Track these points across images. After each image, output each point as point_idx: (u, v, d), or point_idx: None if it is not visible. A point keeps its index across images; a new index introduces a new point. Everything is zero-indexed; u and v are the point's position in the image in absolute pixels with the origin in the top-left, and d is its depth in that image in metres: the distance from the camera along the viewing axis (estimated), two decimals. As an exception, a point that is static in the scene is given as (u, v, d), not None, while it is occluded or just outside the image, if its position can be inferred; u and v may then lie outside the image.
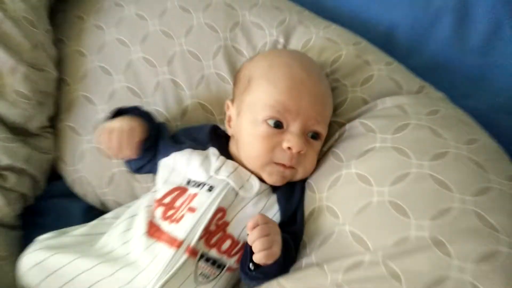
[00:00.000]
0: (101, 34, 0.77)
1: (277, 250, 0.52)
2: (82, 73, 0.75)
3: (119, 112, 0.65)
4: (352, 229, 0.52)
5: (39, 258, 0.58)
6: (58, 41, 0.77)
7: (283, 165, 0.59)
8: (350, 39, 0.73)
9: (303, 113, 0.59)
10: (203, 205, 0.57)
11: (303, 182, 0.63)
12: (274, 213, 0.60)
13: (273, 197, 0.61)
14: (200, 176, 0.61)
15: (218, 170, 0.61)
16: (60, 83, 0.75)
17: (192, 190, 0.60)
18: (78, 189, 0.75)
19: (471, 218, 0.47)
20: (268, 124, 0.59)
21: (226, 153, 0.64)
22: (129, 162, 0.67)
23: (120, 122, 0.61)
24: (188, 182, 0.61)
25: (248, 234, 0.52)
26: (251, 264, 0.53)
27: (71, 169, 0.74)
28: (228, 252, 0.58)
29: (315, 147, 0.62)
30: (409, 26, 0.83)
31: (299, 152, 0.58)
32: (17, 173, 0.69)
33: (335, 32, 0.74)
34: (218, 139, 0.67)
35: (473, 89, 0.77)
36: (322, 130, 0.61)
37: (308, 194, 0.61)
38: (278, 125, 0.59)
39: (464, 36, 0.81)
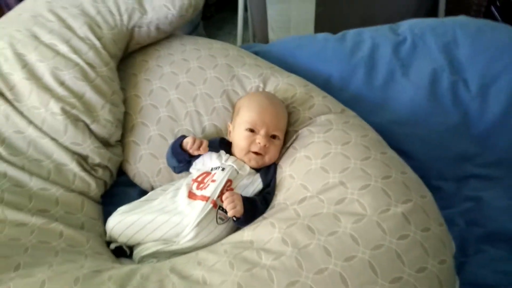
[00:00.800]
0: (149, 84, 1.25)
1: (240, 209, 0.96)
2: (139, 108, 1.22)
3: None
4: (301, 182, 0.99)
5: (119, 219, 1.02)
6: (122, 89, 1.25)
7: (256, 153, 1.06)
8: (302, 83, 1.23)
9: (265, 124, 1.06)
10: (219, 177, 1.03)
11: (275, 165, 1.10)
12: (258, 183, 1.06)
13: (257, 175, 1.08)
14: (217, 163, 1.07)
15: (226, 160, 1.08)
16: (125, 114, 1.22)
17: (213, 172, 1.06)
18: (137, 180, 1.20)
19: (358, 171, 0.94)
20: (246, 131, 1.06)
21: (229, 153, 1.12)
22: (175, 168, 1.12)
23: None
24: (211, 169, 1.07)
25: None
26: (234, 218, 0.98)
27: (133, 167, 1.19)
28: None
29: (275, 143, 1.08)
30: (338, 74, 1.33)
31: (265, 146, 1.05)
32: (103, 168, 1.14)
33: (292, 79, 1.24)
34: (224, 146, 1.14)
35: (377, 111, 1.26)
36: (279, 134, 1.08)
37: (278, 170, 1.08)
38: (252, 131, 1.06)
39: (371, 79, 1.31)
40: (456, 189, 1.19)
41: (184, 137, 1.10)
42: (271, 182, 1.07)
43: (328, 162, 0.99)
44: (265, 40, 2.41)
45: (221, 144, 1.13)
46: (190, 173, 1.13)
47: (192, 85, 1.24)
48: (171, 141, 1.18)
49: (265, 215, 0.98)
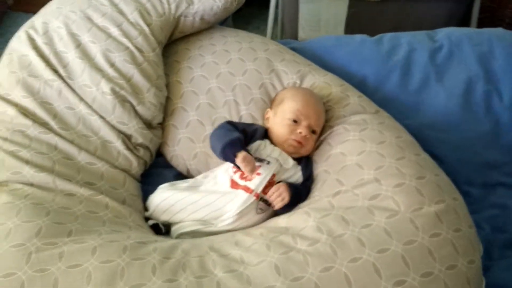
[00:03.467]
0: (191, 72, 1.30)
1: (286, 199, 1.01)
2: (180, 94, 1.27)
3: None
4: (336, 177, 1.03)
5: (165, 196, 1.07)
6: (165, 75, 1.30)
7: (297, 141, 1.10)
8: (338, 82, 1.27)
9: (309, 118, 1.11)
10: (265, 172, 1.07)
11: (311, 160, 1.14)
12: (299, 176, 1.10)
13: (298, 168, 1.11)
14: (262, 155, 1.11)
15: (271, 152, 1.11)
16: (166, 99, 1.27)
17: (258, 163, 1.09)
18: (174, 162, 1.25)
19: (393, 170, 0.98)
20: (290, 120, 1.11)
21: (272, 142, 1.16)
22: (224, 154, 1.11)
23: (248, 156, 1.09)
24: (256, 159, 1.10)
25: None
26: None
27: (171, 149, 1.24)
28: None
29: (313, 137, 1.12)
30: (374, 75, 1.37)
31: (305, 136, 1.09)
32: (144, 148, 1.20)
33: (329, 78, 1.28)
34: (267, 135, 1.18)
35: (410, 114, 1.29)
36: (318, 129, 1.13)
37: (314, 165, 1.12)
38: (295, 121, 1.10)
39: (406, 83, 1.35)
40: (483, 195, 1.21)
41: (237, 141, 1.06)
42: (310, 175, 1.11)
43: (363, 159, 1.03)
44: (294, 37, 2.45)
45: (265, 134, 1.17)
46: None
47: (232, 76, 1.28)
48: (208, 127, 1.23)
49: (300, 205, 1.02)
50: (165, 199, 1.07)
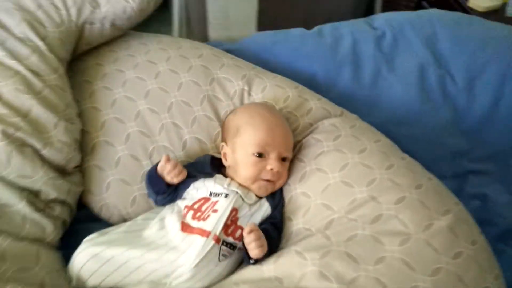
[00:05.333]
0: (109, 93, 1.01)
1: (266, 247, 0.79)
2: (101, 123, 0.98)
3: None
4: (321, 201, 0.84)
5: (94, 251, 0.79)
6: (75, 102, 0.99)
7: (267, 180, 0.89)
8: (291, 84, 1.08)
9: (277, 146, 0.89)
10: (223, 206, 0.85)
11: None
12: (266, 208, 0.89)
13: (263, 199, 0.90)
14: (219, 189, 0.88)
15: (229, 184, 0.89)
16: (82, 133, 0.97)
17: (213, 199, 0.86)
18: (105, 213, 0.96)
19: (387, 182, 0.82)
20: (255, 156, 0.89)
21: (224, 175, 0.93)
22: (157, 199, 0.91)
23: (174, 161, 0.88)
24: (210, 194, 0.88)
25: (244, 237, 0.79)
26: (251, 260, 0.79)
27: (98, 198, 0.95)
28: (239, 238, 0.85)
29: (286, 166, 0.92)
30: (323, 72, 1.22)
31: (277, 172, 0.88)
32: (60, 204, 0.89)
33: (280, 80, 1.09)
34: (217, 168, 0.95)
35: (369, 111, 1.15)
36: (289, 155, 0.93)
37: (285, 187, 0.92)
38: (261, 155, 0.89)
39: (358, 77, 1.22)
40: (458, 187, 1.12)
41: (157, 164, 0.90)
42: (279, 203, 0.91)
43: (349, 175, 0.86)
44: (204, 38, 2.25)
45: (213, 168, 0.95)
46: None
47: (165, 92, 1.03)
48: (145, 161, 0.97)
49: (288, 243, 0.82)
50: (93, 256, 0.79)
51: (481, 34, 1.27)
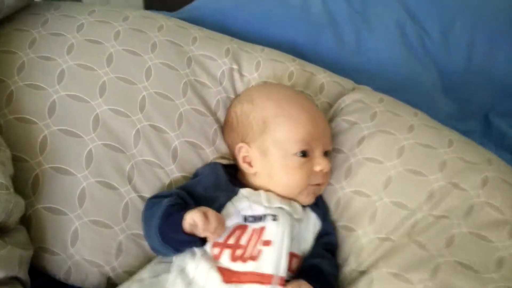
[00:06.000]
0: (41, 94, 0.65)
1: None
2: (41, 143, 0.62)
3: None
4: (389, 199, 0.66)
5: None
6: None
7: (318, 185, 0.68)
8: (286, 57, 0.85)
9: (322, 138, 0.68)
10: (278, 235, 0.60)
11: None
12: (314, 221, 0.67)
13: (308, 210, 0.68)
14: (258, 209, 0.62)
15: (268, 201, 0.64)
16: (18, 160, 0.60)
17: (254, 225, 0.61)
18: (76, 276, 0.62)
19: (460, 162, 0.68)
20: (298, 156, 0.65)
21: (246, 185, 0.68)
22: (177, 247, 0.60)
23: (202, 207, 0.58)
24: (245, 219, 0.62)
25: None
26: None
27: (62, 257, 0.61)
28: (295, 270, 0.62)
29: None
30: (303, 39, 1.01)
31: (327, 173, 0.68)
32: (10, 284, 0.54)
33: (271, 53, 0.84)
34: (236, 179, 0.69)
35: (362, 79, 0.98)
36: (331, 146, 0.72)
37: (326, 189, 0.71)
38: (305, 154, 0.66)
39: (342, 41, 1.04)
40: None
41: (172, 207, 0.60)
42: (325, 212, 0.70)
43: (411, 160, 0.69)
44: None
45: (232, 180, 0.68)
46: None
47: (129, 83, 0.70)
48: (125, 188, 0.66)
49: (365, 264, 0.62)
50: None
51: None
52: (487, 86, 1.15)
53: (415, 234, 0.62)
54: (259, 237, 0.60)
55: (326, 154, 0.69)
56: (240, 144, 0.70)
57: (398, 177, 0.67)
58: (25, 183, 0.61)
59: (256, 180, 0.69)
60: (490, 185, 0.65)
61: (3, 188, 0.53)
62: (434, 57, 1.13)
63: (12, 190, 0.55)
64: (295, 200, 0.67)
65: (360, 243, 0.65)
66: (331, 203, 0.71)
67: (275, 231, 0.60)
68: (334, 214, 0.70)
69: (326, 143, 0.68)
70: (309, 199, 0.67)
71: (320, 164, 0.66)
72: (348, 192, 0.69)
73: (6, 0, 0.68)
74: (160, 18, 0.82)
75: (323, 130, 0.69)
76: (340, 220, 0.69)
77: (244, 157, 0.69)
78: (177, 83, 0.74)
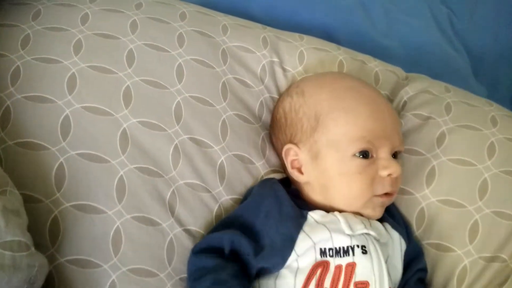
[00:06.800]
0: (49, 108, 0.50)
1: None
2: (56, 175, 0.47)
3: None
4: (490, 209, 0.55)
5: None
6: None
7: (386, 195, 0.53)
8: (330, 45, 0.72)
9: (390, 135, 0.54)
10: (373, 272, 0.48)
11: None
12: (398, 241, 0.54)
13: (389, 227, 0.55)
14: (341, 241, 0.49)
15: (349, 226, 0.50)
16: (25, 204, 0.45)
17: (339, 261, 0.48)
18: None
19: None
20: (358, 158, 0.52)
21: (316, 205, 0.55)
22: None
23: None
24: (324, 253, 0.49)
25: None
26: None
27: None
28: None
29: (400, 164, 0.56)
30: (336, 23, 0.88)
31: (397, 178, 0.53)
32: None
33: (313, 41, 0.71)
34: (299, 199, 0.55)
35: (401, 63, 0.87)
36: (403, 147, 0.57)
37: (403, 199, 0.59)
38: (367, 155, 0.52)
39: (373, 23, 0.92)
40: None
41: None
42: (408, 229, 0.58)
43: (506, 159, 0.58)
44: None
45: (298, 203, 0.54)
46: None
47: (159, 87, 0.56)
48: (168, 223, 0.51)
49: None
50: None
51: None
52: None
53: (532, 250, 0.52)
54: (350, 277, 0.47)
55: (395, 155, 0.55)
56: (288, 146, 0.56)
57: (495, 181, 0.56)
58: (41, 231, 0.45)
59: (313, 194, 0.55)
60: None
61: (23, 248, 0.37)
62: (463, 39, 1.04)
63: (33, 248, 0.39)
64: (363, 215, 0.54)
65: (460, 265, 0.54)
66: (412, 216, 0.59)
67: (369, 267, 0.48)
68: (418, 229, 0.58)
69: (395, 141, 0.54)
70: (377, 213, 0.54)
71: (387, 168, 0.52)
72: (434, 202, 0.58)
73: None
74: (179, 4, 0.67)
75: (392, 125, 0.54)
76: (428, 237, 0.57)
77: (292, 162, 0.56)
78: (215, 83, 0.60)
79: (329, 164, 0.53)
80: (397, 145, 0.55)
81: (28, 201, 0.45)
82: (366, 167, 0.52)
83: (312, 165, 0.55)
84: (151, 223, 0.50)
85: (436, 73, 0.93)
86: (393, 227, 0.55)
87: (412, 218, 0.59)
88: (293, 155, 0.56)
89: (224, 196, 0.56)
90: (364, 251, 0.48)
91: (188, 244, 0.52)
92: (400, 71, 0.74)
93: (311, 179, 0.55)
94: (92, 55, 0.54)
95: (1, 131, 0.48)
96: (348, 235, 0.49)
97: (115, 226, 0.48)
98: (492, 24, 1.08)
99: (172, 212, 0.52)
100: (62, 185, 0.47)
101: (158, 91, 0.55)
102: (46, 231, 0.46)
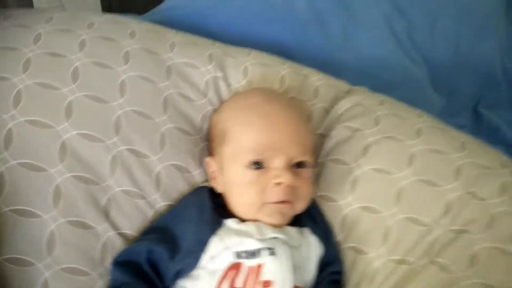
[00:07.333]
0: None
1: None
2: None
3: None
4: (403, 215, 0.59)
5: None
6: None
7: (279, 202, 0.56)
8: (275, 59, 0.77)
9: (284, 147, 0.57)
10: (278, 272, 0.52)
11: (314, 203, 0.64)
12: (315, 245, 0.59)
13: (307, 231, 0.59)
14: (252, 244, 0.54)
15: (260, 230, 0.55)
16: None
17: (249, 262, 0.53)
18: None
19: (475, 168, 0.62)
20: (249, 168, 0.56)
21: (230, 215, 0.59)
22: None
23: None
24: (238, 255, 0.53)
25: None
26: None
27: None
28: None
29: (306, 175, 0.59)
30: (292, 38, 0.93)
31: (291, 186, 0.56)
32: None
33: (258, 56, 0.76)
34: (223, 208, 0.60)
35: (355, 78, 0.89)
36: (308, 158, 0.60)
37: (328, 205, 0.64)
38: (260, 165, 0.57)
39: (329, 37, 0.96)
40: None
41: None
42: (329, 234, 0.62)
43: (424, 169, 0.62)
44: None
45: (219, 211, 0.59)
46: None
47: (100, 102, 0.61)
48: (101, 226, 0.57)
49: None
50: None
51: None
52: (474, 77, 1.12)
53: (435, 254, 0.56)
54: (257, 277, 0.52)
55: (300, 165, 0.59)
56: (207, 158, 0.63)
57: (410, 189, 0.61)
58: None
59: (228, 203, 0.60)
60: (510, 191, 0.59)
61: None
62: (422, 50, 1.08)
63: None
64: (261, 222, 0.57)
65: (373, 267, 0.58)
66: (336, 221, 0.63)
67: (274, 268, 0.52)
68: (340, 234, 0.63)
69: (291, 153, 0.57)
70: (275, 220, 0.57)
71: (278, 177, 0.55)
72: (355, 209, 0.62)
73: None
74: (131, 23, 0.73)
75: (287, 138, 0.57)
76: (348, 241, 0.62)
77: (211, 173, 0.62)
78: (157, 98, 0.65)
79: (229, 175, 0.59)
80: (295, 156, 0.58)
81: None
82: (258, 177, 0.56)
83: (221, 177, 0.60)
84: (85, 226, 0.55)
85: (391, 85, 0.98)
86: (313, 231, 0.60)
87: (336, 224, 0.63)
88: (211, 167, 0.62)
89: (159, 203, 0.61)
90: (272, 253, 0.53)
91: (121, 246, 0.57)
92: (342, 85, 0.78)
93: (224, 190, 0.60)
94: (39, 72, 0.60)
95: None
96: (258, 239, 0.54)
97: (50, 229, 0.53)
98: (453, 35, 1.11)
99: (106, 216, 0.57)
100: (2, 191, 0.53)
101: (99, 105, 0.60)
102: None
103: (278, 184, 0.56)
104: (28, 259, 0.52)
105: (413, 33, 1.07)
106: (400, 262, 0.57)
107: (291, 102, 0.65)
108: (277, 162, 0.56)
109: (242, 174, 0.56)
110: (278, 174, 0.55)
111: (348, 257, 0.61)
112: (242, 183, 0.57)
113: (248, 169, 0.56)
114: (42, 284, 0.52)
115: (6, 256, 0.51)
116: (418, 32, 1.08)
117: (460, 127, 1.05)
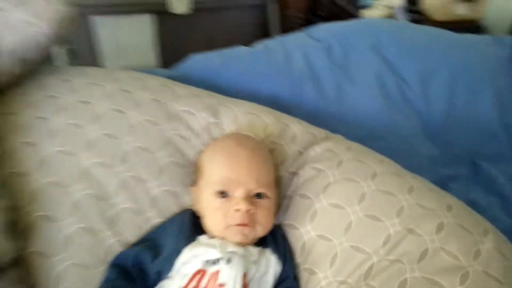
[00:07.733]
0: (34, 150, 0.74)
1: None
2: (30, 193, 0.70)
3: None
4: (349, 244, 0.70)
5: None
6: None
7: (239, 225, 0.70)
8: (263, 109, 0.92)
9: (243, 181, 0.71)
10: (231, 276, 0.65)
11: (280, 229, 0.77)
12: (275, 263, 0.72)
13: (268, 252, 0.73)
14: (214, 254, 0.68)
15: (222, 245, 0.69)
16: (6, 209, 0.68)
17: (212, 269, 0.66)
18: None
19: (417, 209, 0.72)
20: (216, 196, 0.72)
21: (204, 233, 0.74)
22: None
23: None
24: (205, 263, 0.67)
25: None
26: None
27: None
28: None
29: (264, 204, 0.73)
30: (286, 92, 1.09)
31: (249, 212, 0.70)
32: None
33: (249, 106, 0.92)
34: (198, 226, 0.74)
35: (342, 128, 1.04)
36: (265, 190, 0.73)
37: (293, 232, 0.76)
38: (225, 195, 0.71)
39: (323, 93, 1.12)
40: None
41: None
42: (287, 255, 0.74)
43: (372, 207, 0.73)
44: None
45: (196, 229, 0.74)
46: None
47: (114, 138, 0.79)
48: (107, 233, 0.72)
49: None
50: None
51: (423, 38, 1.27)
52: (471, 130, 1.19)
53: (370, 278, 0.66)
54: (215, 280, 0.65)
55: (259, 196, 0.73)
56: (191, 188, 0.79)
57: (358, 222, 0.72)
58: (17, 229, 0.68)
59: (204, 225, 0.74)
60: (446, 231, 0.68)
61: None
62: (414, 106, 1.19)
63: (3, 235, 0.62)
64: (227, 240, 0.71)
65: (321, 286, 0.69)
66: (297, 246, 0.75)
67: (228, 273, 0.65)
68: (300, 257, 0.74)
69: (250, 186, 0.71)
70: (238, 238, 0.70)
71: (236, 204, 0.70)
72: (313, 236, 0.74)
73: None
74: (147, 78, 0.92)
75: (247, 173, 0.71)
76: (305, 263, 0.73)
77: (194, 199, 0.78)
78: (158, 137, 0.82)
79: (203, 202, 0.74)
80: (253, 188, 0.72)
81: (10, 209, 0.68)
82: (222, 204, 0.71)
83: (199, 203, 0.75)
84: (93, 233, 0.71)
85: (378, 135, 1.09)
86: (274, 251, 0.73)
87: (297, 248, 0.75)
88: (194, 194, 0.78)
89: (154, 219, 0.76)
90: (228, 262, 0.66)
91: (119, 250, 0.72)
92: (321, 133, 0.91)
93: (202, 212, 0.75)
94: (69, 116, 0.79)
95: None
96: (219, 251, 0.68)
97: (66, 232, 0.70)
98: (447, 93, 1.21)
99: (112, 226, 0.73)
100: (35, 199, 0.70)
101: (112, 141, 0.78)
102: (20, 230, 0.68)
103: (237, 210, 0.70)
104: (48, 254, 0.68)
105: (405, 90, 1.20)
106: (342, 283, 0.67)
107: (257, 145, 0.80)
108: (238, 193, 0.71)
109: (212, 201, 0.72)
110: (237, 202, 0.70)
111: (303, 277, 0.72)
112: (211, 208, 0.72)
113: (216, 197, 0.71)
114: (56, 275, 0.67)
115: (32, 249, 0.68)
116: (410, 90, 1.20)
117: (456, 177, 1.14)
